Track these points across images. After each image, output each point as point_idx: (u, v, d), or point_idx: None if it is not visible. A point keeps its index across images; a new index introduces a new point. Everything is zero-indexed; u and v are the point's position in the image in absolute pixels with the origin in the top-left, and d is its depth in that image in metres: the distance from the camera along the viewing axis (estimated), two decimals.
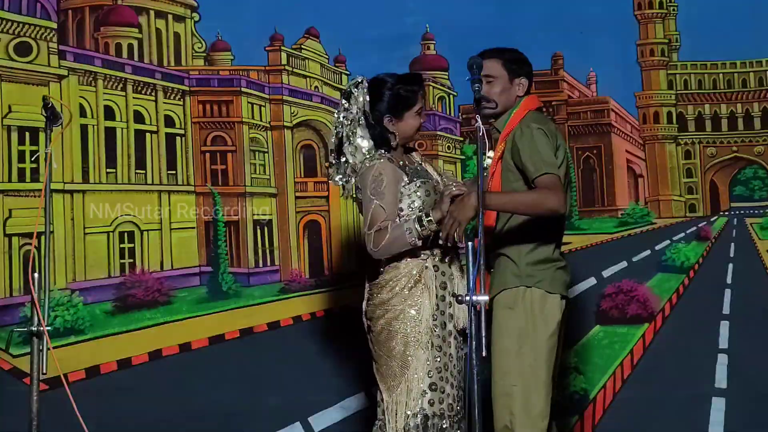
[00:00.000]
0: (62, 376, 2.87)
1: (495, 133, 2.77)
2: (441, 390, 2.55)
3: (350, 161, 2.64)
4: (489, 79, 2.70)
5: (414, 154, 2.78)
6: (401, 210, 2.59)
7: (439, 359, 2.56)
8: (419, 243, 2.54)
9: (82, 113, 4.17)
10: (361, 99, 2.65)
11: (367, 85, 2.67)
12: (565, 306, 2.74)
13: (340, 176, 2.68)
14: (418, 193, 2.60)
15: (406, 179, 2.59)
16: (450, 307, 2.58)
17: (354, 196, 2.69)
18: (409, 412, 2.54)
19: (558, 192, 2.56)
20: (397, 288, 2.58)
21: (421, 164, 2.75)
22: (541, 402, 2.65)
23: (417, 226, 2.53)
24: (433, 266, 2.60)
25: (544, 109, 4.47)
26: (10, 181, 4.03)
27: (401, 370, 2.57)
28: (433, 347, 2.56)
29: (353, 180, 2.65)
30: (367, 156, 2.63)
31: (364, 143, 2.63)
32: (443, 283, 2.60)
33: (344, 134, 2.66)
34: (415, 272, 2.57)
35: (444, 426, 2.55)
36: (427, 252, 2.59)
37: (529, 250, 2.69)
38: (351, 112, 2.66)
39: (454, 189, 2.52)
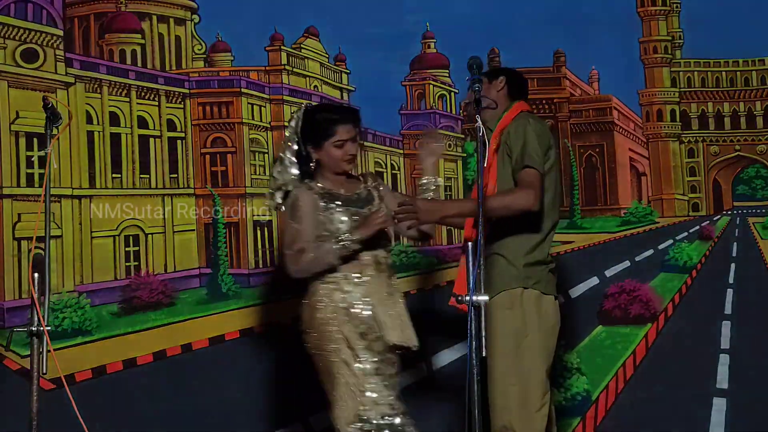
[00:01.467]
0: (62, 377, 2.93)
1: (488, 132, 2.81)
2: (371, 399, 2.69)
3: (278, 180, 2.82)
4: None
5: (369, 178, 2.89)
6: (327, 233, 2.72)
7: (362, 371, 2.70)
8: (338, 263, 2.68)
9: (88, 120, 4.23)
10: (293, 124, 2.84)
11: (303, 111, 2.85)
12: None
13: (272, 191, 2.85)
14: (341, 218, 2.73)
15: (322, 205, 2.73)
16: (364, 324, 2.70)
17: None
18: (347, 426, 2.70)
19: (531, 189, 2.62)
20: (318, 307, 2.72)
21: (368, 190, 2.84)
22: (538, 401, 2.66)
23: (337, 246, 2.67)
24: (348, 285, 2.73)
25: (546, 107, 4.46)
26: (18, 185, 4.11)
27: (333, 386, 2.72)
28: (356, 361, 2.70)
29: (277, 197, 2.83)
30: (294, 180, 2.80)
31: (293, 166, 2.81)
32: (353, 304, 2.71)
33: (280, 154, 2.86)
34: (330, 290, 2.72)
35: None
36: (343, 272, 2.72)
37: (526, 252, 2.71)
38: (287, 135, 2.85)
39: (379, 219, 2.67)
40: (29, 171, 4.12)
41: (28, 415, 2.87)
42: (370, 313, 2.74)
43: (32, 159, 4.08)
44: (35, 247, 2.93)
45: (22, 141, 4.12)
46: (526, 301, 2.70)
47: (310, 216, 2.75)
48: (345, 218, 2.76)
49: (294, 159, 2.83)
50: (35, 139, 4.12)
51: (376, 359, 2.73)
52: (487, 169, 2.74)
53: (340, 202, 2.78)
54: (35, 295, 2.78)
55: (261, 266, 4.32)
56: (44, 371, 2.82)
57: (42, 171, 4.06)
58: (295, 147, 2.83)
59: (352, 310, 2.75)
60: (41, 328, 2.78)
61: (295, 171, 2.82)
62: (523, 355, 2.67)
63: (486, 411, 3.96)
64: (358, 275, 2.76)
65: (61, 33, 4.23)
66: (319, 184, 2.80)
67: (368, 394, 2.71)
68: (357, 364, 2.73)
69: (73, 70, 4.23)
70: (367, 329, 2.74)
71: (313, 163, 2.82)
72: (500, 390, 2.67)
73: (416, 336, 2.79)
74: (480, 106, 2.78)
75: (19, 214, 4.09)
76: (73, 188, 4.17)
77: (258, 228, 4.32)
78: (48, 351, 2.79)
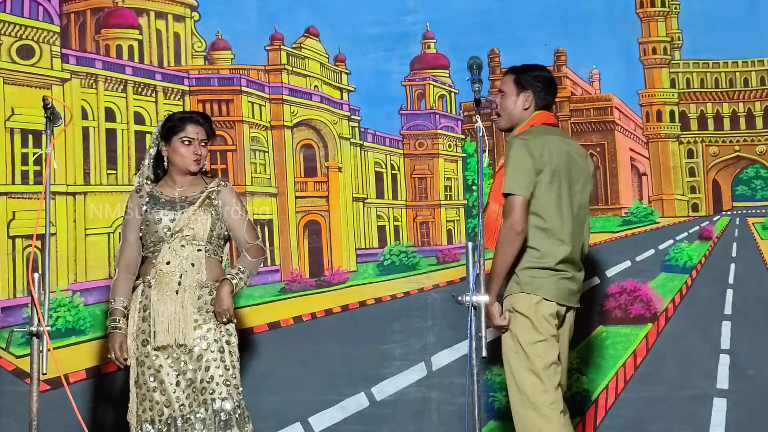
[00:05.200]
0: (62, 377, 2.88)
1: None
2: (150, 399, 2.88)
3: (135, 184, 3.10)
4: (501, 94, 2.96)
5: (213, 181, 3.03)
6: (153, 233, 2.96)
7: (143, 372, 2.90)
8: None
9: (84, 115, 4.19)
10: (156, 129, 3.08)
11: (166, 116, 3.10)
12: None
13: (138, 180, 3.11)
14: (159, 218, 2.94)
15: (144, 207, 2.97)
16: (150, 327, 2.89)
17: None
18: (132, 419, 2.94)
19: (509, 217, 2.76)
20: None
21: (204, 193, 2.97)
22: None
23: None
24: (142, 291, 2.94)
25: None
26: (13, 183, 4.06)
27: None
28: (137, 362, 2.92)
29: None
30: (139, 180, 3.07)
31: (150, 169, 3.06)
32: (145, 306, 2.91)
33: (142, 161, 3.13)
34: (133, 295, 2.98)
35: (150, 429, 2.87)
36: (141, 278, 2.98)
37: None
38: (150, 140, 3.10)
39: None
40: (24, 168, 4.07)
41: (26, 416, 2.81)
42: (150, 318, 2.94)
43: (29, 157, 4.03)
44: (33, 246, 2.90)
45: (17, 138, 4.07)
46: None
47: (129, 223, 3.01)
48: (164, 218, 2.94)
49: (152, 162, 3.05)
50: (30, 136, 4.07)
51: (155, 364, 2.92)
52: (493, 186, 2.90)
53: (161, 204, 2.97)
54: (35, 296, 2.75)
55: (261, 265, 4.28)
56: (44, 371, 2.78)
57: (37, 168, 4.01)
58: (153, 151, 3.05)
59: (141, 314, 3.00)
60: (41, 328, 2.74)
61: (150, 174, 3.06)
62: None
63: (485, 411, 3.97)
64: (148, 280, 2.98)
65: (57, 29, 4.19)
66: (148, 188, 3.01)
67: (143, 397, 2.95)
68: (138, 367, 2.97)
69: (68, 65, 4.18)
70: (153, 329, 2.96)
71: (165, 163, 3.02)
72: None
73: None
74: (479, 106, 2.79)
75: (13, 212, 4.04)
76: (68, 185, 4.12)
77: (258, 226, 4.28)
78: (48, 350, 2.75)
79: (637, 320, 4.04)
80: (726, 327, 4.00)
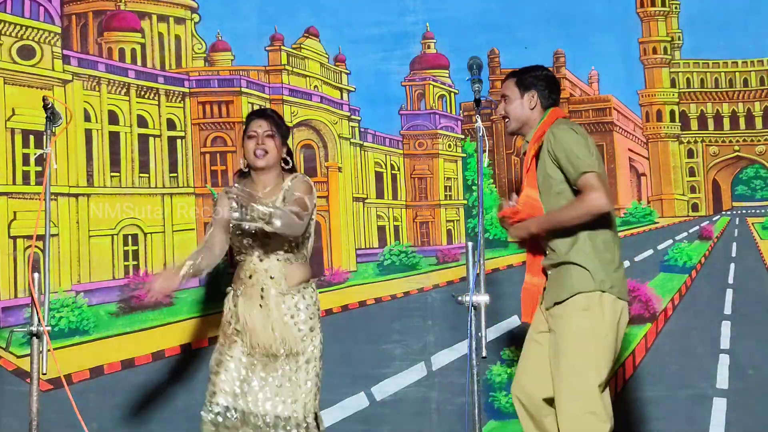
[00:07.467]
0: (62, 377, 2.91)
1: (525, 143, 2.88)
2: (213, 383, 2.94)
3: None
4: (505, 98, 2.91)
5: (288, 180, 2.99)
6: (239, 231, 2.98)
7: (217, 356, 2.99)
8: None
9: (87, 118, 4.21)
10: None
11: None
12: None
13: None
14: (242, 229, 2.94)
15: (234, 206, 2.96)
16: (240, 331, 2.96)
17: None
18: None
19: (601, 190, 2.63)
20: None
21: (280, 192, 2.96)
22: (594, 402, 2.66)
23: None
24: (231, 297, 3.04)
25: None
26: (14, 183, 4.08)
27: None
28: (217, 348, 3.02)
29: None
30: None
31: (242, 166, 3.10)
32: (236, 304, 2.99)
33: None
34: (226, 299, 3.08)
35: (206, 407, 2.92)
36: (232, 285, 3.06)
37: (601, 255, 2.72)
38: None
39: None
40: (25, 168, 4.09)
41: (27, 416, 2.84)
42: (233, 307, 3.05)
43: (30, 157, 4.05)
44: (34, 246, 2.91)
45: (18, 138, 4.09)
46: (605, 304, 2.69)
47: (216, 223, 3.06)
48: (245, 229, 2.95)
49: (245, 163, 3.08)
50: (32, 137, 4.09)
51: (231, 350, 3.00)
52: (527, 174, 2.81)
53: (243, 213, 2.90)
54: (35, 295, 2.76)
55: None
56: (44, 371, 2.80)
57: (38, 169, 4.03)
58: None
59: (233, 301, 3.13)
60: (41, 328, 2.76)
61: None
62: (596, 355, 2.66)
63: (485, 411, 3.98)
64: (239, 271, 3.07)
65: (58, 30, 4.21)
66: (237, 189, 2.91)
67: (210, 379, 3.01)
68: (218, 348, 3.05)
69: (70, 67, 4.20)
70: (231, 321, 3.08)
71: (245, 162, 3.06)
72: (570, 391, 2.65)
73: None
74: (479, 106, 2.80)
75: (14, 212, 4.07)
76: (71, 186, 4.14)
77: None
78: (48, 351, 2.77)
79: (636, 320, 4.04)
80: (726, 327, 4.00)
